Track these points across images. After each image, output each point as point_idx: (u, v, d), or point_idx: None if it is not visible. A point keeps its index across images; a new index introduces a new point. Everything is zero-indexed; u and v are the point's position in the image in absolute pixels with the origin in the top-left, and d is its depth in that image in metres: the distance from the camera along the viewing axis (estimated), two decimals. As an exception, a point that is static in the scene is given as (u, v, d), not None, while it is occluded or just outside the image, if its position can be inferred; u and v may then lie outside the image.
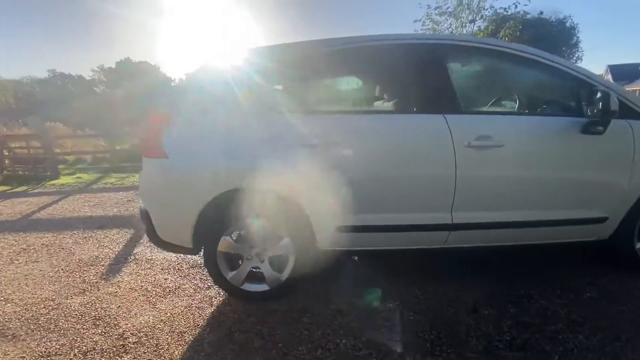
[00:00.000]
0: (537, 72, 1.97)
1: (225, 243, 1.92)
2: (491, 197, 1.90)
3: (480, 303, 1.89)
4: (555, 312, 1.78)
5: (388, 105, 2.02)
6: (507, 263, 2.30)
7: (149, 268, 2.54)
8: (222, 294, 2.12)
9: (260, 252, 1.97)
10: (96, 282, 2.35)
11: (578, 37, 9.58)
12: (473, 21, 9.90)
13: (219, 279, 2.01)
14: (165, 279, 2.35)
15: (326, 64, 1.93)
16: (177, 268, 2.51)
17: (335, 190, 1.83)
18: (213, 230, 1.91)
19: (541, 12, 9.40)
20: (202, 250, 2.00)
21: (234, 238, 1.96)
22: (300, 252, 1.93)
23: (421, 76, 1.88)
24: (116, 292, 2.21)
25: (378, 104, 2.06)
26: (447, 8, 10.43)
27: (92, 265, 2.63)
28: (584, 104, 1.85)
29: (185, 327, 1.80)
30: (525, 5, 9.32)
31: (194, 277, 2.35)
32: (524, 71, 2.02)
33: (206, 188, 1.84)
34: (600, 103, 1.68)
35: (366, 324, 1.76)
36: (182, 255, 2.71)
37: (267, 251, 1.96)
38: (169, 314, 1.94)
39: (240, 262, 1.98)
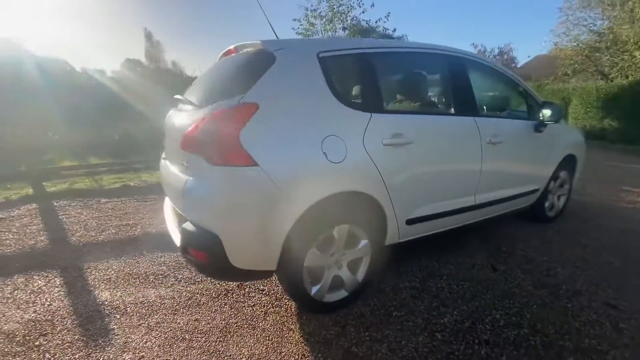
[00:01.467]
0: (513, 88, 2.69)
1: (313, 256, 1.72)
2: (494, 181, 2.48)
3: (493, 263, 2.46)
4: (533, 258, 2.55)
5: (435, 107, 2.27)
6: (471, 234, 2.95)
7: (160, 312, 1.88)
8: (288, 314, 1.87)
9: (339, 259, 1.86)
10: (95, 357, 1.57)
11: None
12: (344, 29, 11.31)
13: (303, 298, 1.77)
14: (201, 320, 1.82)
15: (399, 64, 1.99)
16: (197, 304, 1.96)
17: (410, 186, 1.96)
18: (303, 244, 1.66)
19: (394, 30, 11.74)
20: (285, 269, 1.70)
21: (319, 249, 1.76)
22: (374, 250, 1.95)
23: (459, 82, 2.23)
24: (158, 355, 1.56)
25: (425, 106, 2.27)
26: (320, 12, 11.46)
27: (44, 335, 1.70)
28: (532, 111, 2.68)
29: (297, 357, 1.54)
30: (385, 22, 11.47)
31: (233, 307, 1.93)
32: (505, 85, 2.71)
33: (304, 197, 1.58)
34: (554, 112, 2.51)
35: (442, 301, 1.99)
36: (181, 286, 2.14)
37: (346, 256, 1.88)
38: (258, 353, 1.57)
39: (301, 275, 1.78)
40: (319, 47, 1.75)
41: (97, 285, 2.16)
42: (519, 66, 22.19)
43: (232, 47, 2.02)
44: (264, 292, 2.08)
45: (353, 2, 11.00)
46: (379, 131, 1.79)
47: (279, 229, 1.57)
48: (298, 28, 11.59)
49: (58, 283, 2.19)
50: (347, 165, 1.67)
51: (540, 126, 2.64)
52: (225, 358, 1.56)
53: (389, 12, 11.56)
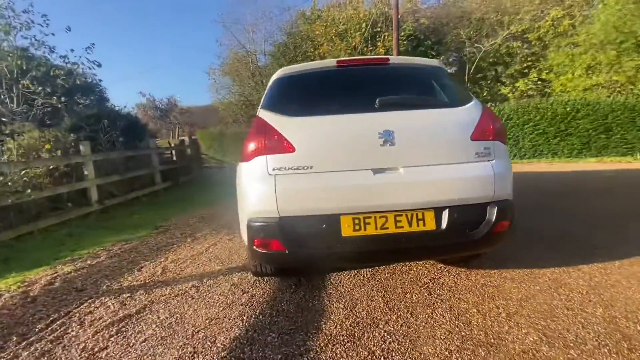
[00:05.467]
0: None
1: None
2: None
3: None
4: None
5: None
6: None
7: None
8: (469, 270, 2.38)
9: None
10: None
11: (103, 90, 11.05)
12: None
13: None
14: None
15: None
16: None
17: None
18: None
19: (99, 65, 9.39)
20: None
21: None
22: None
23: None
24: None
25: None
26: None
27: None
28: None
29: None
30: (89, 53, 8.81)
31: (442, 294, 2.07)
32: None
33: None
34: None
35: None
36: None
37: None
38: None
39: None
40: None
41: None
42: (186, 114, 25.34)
43: (383, 57, 2.07)
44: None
45: (31, 17, 7.68)
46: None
47: None
48: None
49: None
50: None
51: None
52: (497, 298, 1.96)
53: (93, 43, 9.09)
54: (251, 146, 1.81)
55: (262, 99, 2.08)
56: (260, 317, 1.93)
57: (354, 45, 12.98)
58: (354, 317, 1.86)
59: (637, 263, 2.35)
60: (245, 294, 2.21)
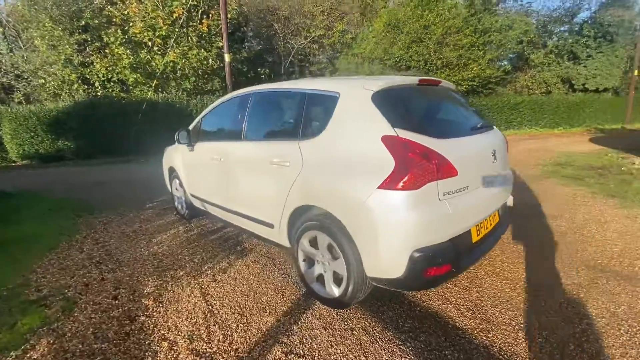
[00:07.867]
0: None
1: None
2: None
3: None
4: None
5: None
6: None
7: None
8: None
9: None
10: None
11: None
12: None
13: None
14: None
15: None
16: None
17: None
18: None
19: None
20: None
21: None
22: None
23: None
24: None
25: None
26: None
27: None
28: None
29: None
30: None
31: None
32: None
33: None
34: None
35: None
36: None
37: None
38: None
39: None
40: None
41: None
42: None
43: (436, 79, 2.33)
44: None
45: None
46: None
47: None
48: None
49: None
50: None
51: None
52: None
53: None
54: (418, 173, 1.71)
55: (376, 116, 1.87)
56: (405, 328, 1.92)
57: (176, 16, 10.99)
58: (457, 299, 2.24)
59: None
60: (350, 321, 2.05)
